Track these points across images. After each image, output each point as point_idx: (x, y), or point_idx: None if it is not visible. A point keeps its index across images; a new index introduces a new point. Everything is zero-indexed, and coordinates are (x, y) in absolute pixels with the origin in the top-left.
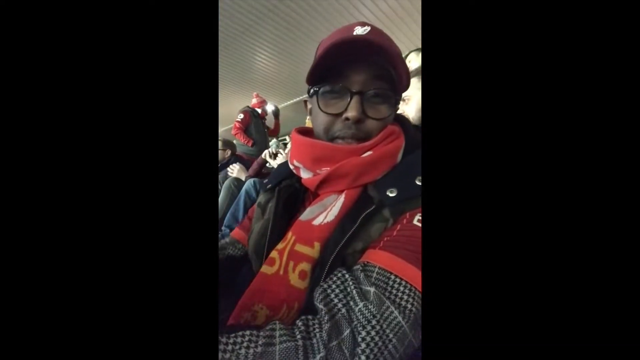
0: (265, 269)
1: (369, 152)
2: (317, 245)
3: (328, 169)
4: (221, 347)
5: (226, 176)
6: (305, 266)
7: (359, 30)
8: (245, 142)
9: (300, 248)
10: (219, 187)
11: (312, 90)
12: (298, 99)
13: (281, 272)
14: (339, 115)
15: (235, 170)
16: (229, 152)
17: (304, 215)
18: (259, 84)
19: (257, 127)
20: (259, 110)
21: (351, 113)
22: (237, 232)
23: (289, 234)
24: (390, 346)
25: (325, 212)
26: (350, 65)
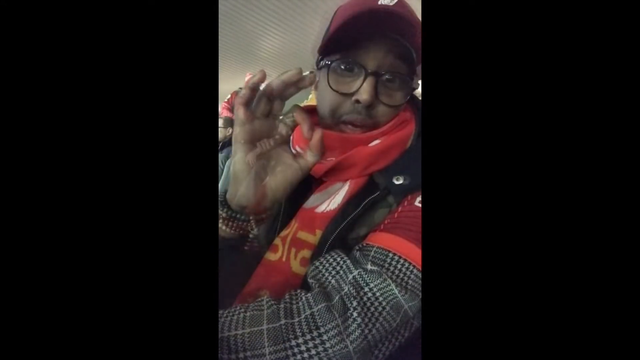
0: (269, 255)
1: (377, 141)
2: (318, 232)
3: (333, 159)
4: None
5: (228, 155)
6: (306, 253)
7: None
8: None
9: (302, 235)
10: (222, 165)
11: (322, 62)
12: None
13: (284, 259)
14: (348, 95)
15: None
16: (230, 131)
17: (308, 203)
18: (261, 60)
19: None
20: None
21: (363, 96)
22: None
23: (293, 221)
24: (384, 313)
25: (329, 199)
26: (371, 38)
